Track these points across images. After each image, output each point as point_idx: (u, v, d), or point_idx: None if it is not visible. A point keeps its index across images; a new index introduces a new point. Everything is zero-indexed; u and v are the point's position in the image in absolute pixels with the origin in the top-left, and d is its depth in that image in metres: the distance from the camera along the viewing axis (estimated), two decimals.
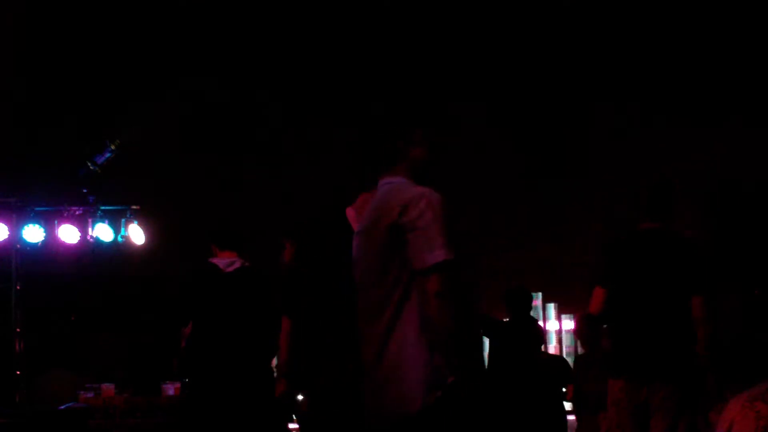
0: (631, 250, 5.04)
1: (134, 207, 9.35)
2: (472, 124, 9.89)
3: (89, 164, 8.90)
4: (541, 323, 8.39)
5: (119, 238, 9.26)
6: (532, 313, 7.19)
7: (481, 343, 3.34)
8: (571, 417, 7.48)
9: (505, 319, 7.15)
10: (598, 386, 6.25)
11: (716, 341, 5.20)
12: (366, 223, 3.39)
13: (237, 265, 5.52)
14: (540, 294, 10.13)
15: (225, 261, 5.53)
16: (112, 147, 8.83)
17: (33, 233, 8.91)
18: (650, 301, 4.92)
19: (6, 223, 8.88)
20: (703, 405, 6.23)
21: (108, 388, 8.03)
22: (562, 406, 7.32)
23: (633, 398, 4.92)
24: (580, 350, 8.33)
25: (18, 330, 8.95)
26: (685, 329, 4.92)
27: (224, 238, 5.62)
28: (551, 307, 10.34)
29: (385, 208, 3.27)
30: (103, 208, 9.18)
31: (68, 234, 9.03)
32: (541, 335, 7.34)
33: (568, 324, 10.16)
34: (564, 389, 7.38)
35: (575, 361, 7.73)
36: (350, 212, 4.12)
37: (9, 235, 8.89)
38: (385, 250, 3.22)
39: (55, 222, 9.03)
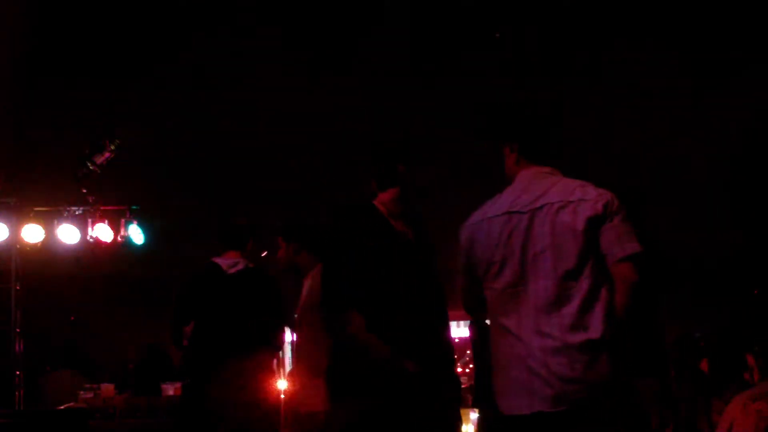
0: None
1: (134, 207, 9.36)
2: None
3: (89, 164, 8.91)
4: None
5: (119, 238, 9.27)
6: None
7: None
8: None
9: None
10: None
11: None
12: (533, 207, 3.46)
13: (240, 266, 5.50)
14: None
15: (228, 261, 5.50)
16: (112, 147, 8.83)
17: (33, 233, 8.92)
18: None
19: (6, 223, 8.88)
20: (703, 405, 6.25)
21: (108, 388, 8.03)
22: None
23: None
24: None
25: (18, 330, 8.96)
26: (655, 326, 5.15)
27: (230, 238, 5.60)
28: None
29: (576, 198, 3.41)
30: (103, 208, 9.18)
31: (68, 234, 9.03)
32: None
33: None
34: None
35: None
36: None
37: (9, 235, 8.89)
38: (582, 239, 3.36)
39: (55, 222, 9.03)
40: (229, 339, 5.39)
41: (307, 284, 5.32)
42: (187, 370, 5.68)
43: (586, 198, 3.39)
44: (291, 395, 5.47)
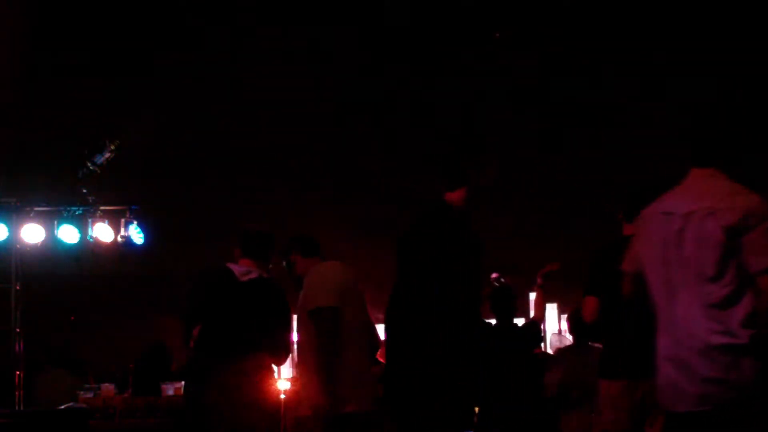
0: (618, 256, 5.13)
1: (134, 207, 9.36)
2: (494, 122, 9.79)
3: (89, 164, 8.91)
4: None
5: (119, 238, 9.27)
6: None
7: None
8: None
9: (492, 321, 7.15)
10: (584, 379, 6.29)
11: None
12: (685, 211, 3.53)
13: (254, 275, 5.47)
14: None
15: (242, 269, 5.47)
16: (112, 147, 8.83)
17: (33, 233, 8.92)
18: (640, 302, 5.04)
19: (6, 223, 8.88)
20: None
21: (108, 388, 8.03)
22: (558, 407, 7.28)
23: (631, 398, 5.03)
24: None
25: (18, 330, 8.96)
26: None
27: (247, 246, 5.56)
28: (551, 307, 10.31)
29: (721, 206, 3.47)
30: (103, 208, 9.18)
31: (68, 234, 9.03)
32: (538, 336, 7.33)
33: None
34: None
35: (560, 355, 7.64)
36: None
37: (9, 235, 8.89)
38: (722, 248, 3.43)
39: (55, 222, 9.03)
40: (233, 343, 5.38)
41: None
42: (189, 372, 5.67)
43: (729, 207, 3.45)
44: (291, 396, 5.48)
